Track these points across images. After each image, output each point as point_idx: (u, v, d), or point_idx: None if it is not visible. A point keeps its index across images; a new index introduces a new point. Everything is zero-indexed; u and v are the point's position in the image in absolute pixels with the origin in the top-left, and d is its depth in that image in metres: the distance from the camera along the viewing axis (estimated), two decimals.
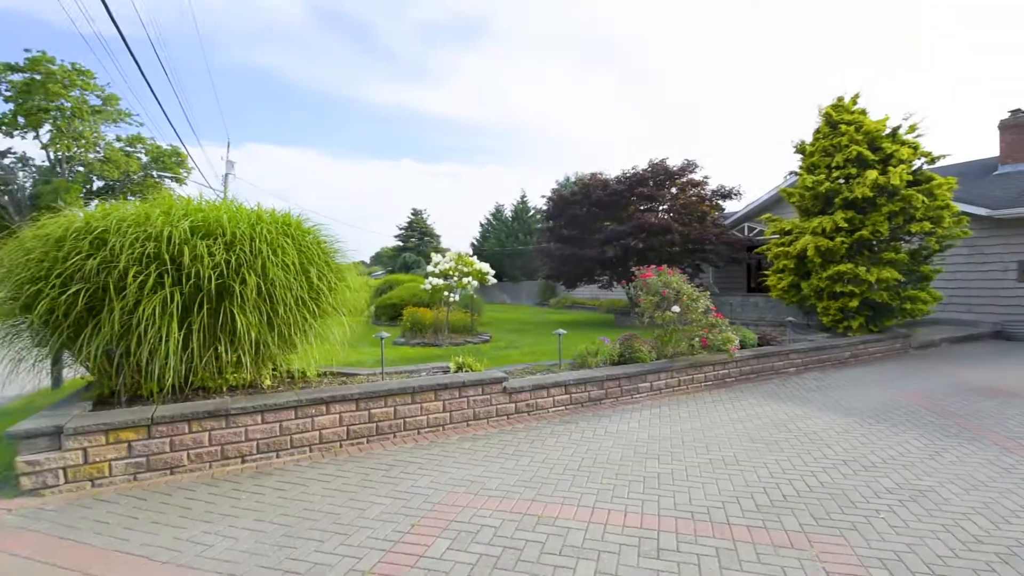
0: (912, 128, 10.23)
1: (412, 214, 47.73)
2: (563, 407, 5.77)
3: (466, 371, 5.68)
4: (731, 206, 17.45)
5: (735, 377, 7.30)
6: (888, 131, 10.21)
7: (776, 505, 3.36)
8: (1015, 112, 14.49)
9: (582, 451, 4.44)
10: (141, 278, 3.93)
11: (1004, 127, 14.65)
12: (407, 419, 4.84)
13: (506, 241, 36.92)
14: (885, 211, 9.59)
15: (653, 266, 7.74)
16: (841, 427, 5.10)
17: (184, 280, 4.04)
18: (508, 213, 40.59)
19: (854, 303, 9.66)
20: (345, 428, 4.54)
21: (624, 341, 7.07)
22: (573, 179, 30.88)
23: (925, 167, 10.35)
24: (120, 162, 27.69)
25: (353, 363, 7.31)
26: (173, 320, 3.92)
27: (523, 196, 40.51)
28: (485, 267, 11.91)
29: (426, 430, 4.93)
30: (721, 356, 7.17)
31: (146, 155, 30.17)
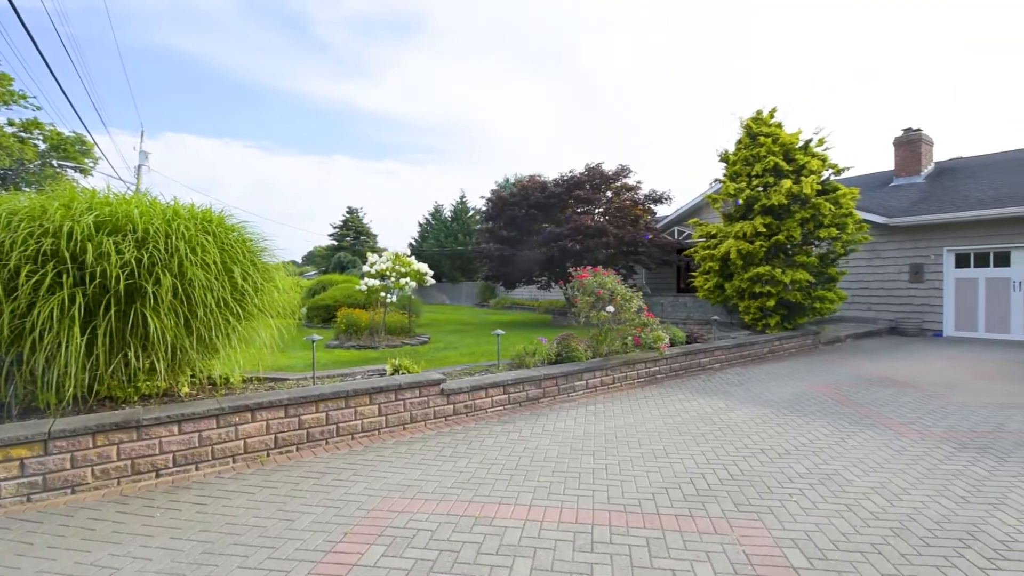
0: (821, 142, 11.14)
1: (347, 212, 46.28)
2: (501, 407, 5.79)
3: (403, 373, 5.57)
4: (662, 210, 18.22)
5: (665, 374, 7.63)
6: (801, 144, 11.07)
7: (702, 494, 3.54)
8: (907, 131, 16.14)
9: (520, 450, 4.48)
10: (36, 278, 3.56)
11: (898, 144, 16.28)
12: (340, 424, 4.68)
13: (445, 241, 36.63)
14: (798, 217, 10.39)
15: (589, 267, 7.95)
16: (760, 418, 5.46)
17: (88, 280, 3.69)
18: (447, 213, 40.27)
19: (771, 302, 10.38)
20: (273, 436, 4.32)
21: (561, 341, 7.21)
22: (512, 180, 31.11)
23: (832, 178, 11.30)
24: (12, 149, 24.93)
25: (282, 368, 6.98)
26: (75, 324, 3.57)
27: (462, 196, 40.36)
28: (423, 267, 11.75)
29: (361, 435, 4.79)
30: (652, 354, 7.47)
31: (44, 142, 27.36)
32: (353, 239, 45.22)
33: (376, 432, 4.88)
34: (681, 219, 19.31)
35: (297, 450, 4.43)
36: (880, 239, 13.92)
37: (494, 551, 2.78)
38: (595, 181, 16.86)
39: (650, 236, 16.33)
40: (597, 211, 17.21)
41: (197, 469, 3.96)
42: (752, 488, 3.63)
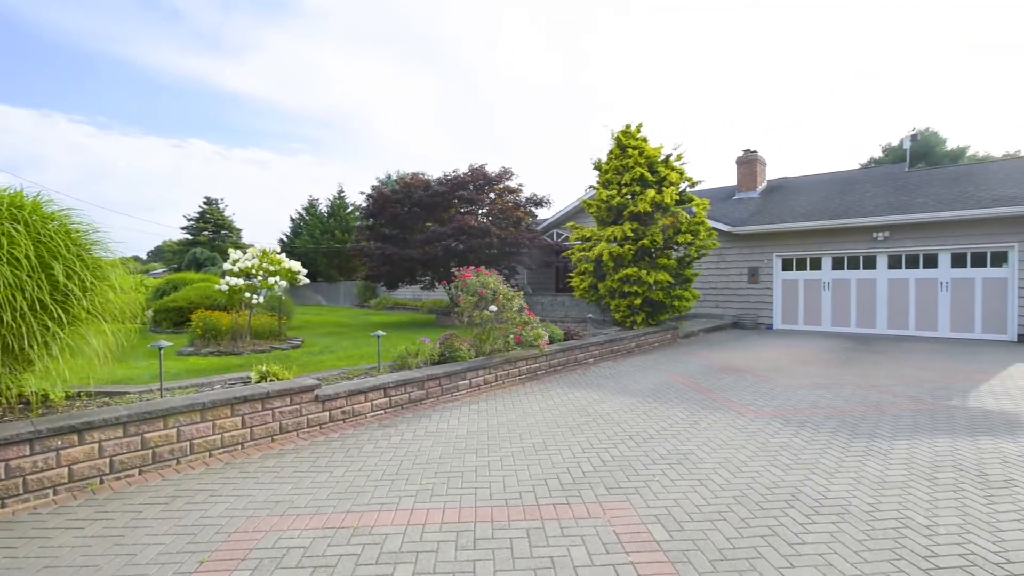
0: (679, 156, 12.41)
1: (205, 203, 41.58)
2: (382, 411, 5.60)
3: (271, 380, 5.13)
4: (542, 213, 18.99)
5: (545, 370, 7.95)
6: (663, 157, 12.22)
7: (578, 482, 3.74)
8: (747, 151, 18.62)
9: (401, 454, 4.36)
10: None
11: (739, 162, 18.72)
12: (195, 441, 4.17)
13: (321, 238, 34.49)
14: (661, 224, 11.46)
15: (472, 267, 8.01)
16: (628, 407, 5.92)
17: None
18: (324, 208, 37.96)
19: (638, 301, 11.33)
20: (108, 460, 3.72)
21: (444, 340, 7.16)
22: (395, 177, 30.24)
23: (688, 190, 12.64)
24: None
25: (122, 380, 6.08)
26: None
27: (340, 191, 38.31)
28: (296, 266, 10.95)
29: (221, 451, 4.31)
30: (533, 351, 7.74)
31: None
32: (212, 233, 40.75)
33: (239, 447, 4.43)
34: (559, 222, 20.27)
35: (140, 474, 3.86)
36: (725, 245, 15.90)
37: (374, 560, 2.67)
38: (479, 182, 17.04)
39: (531, 238, 16.92)
40: (480, 212, 17.42)
41: (3, 507, 3.27)
42: (621, 472, 3.92)
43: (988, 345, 11.21)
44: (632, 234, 11.33)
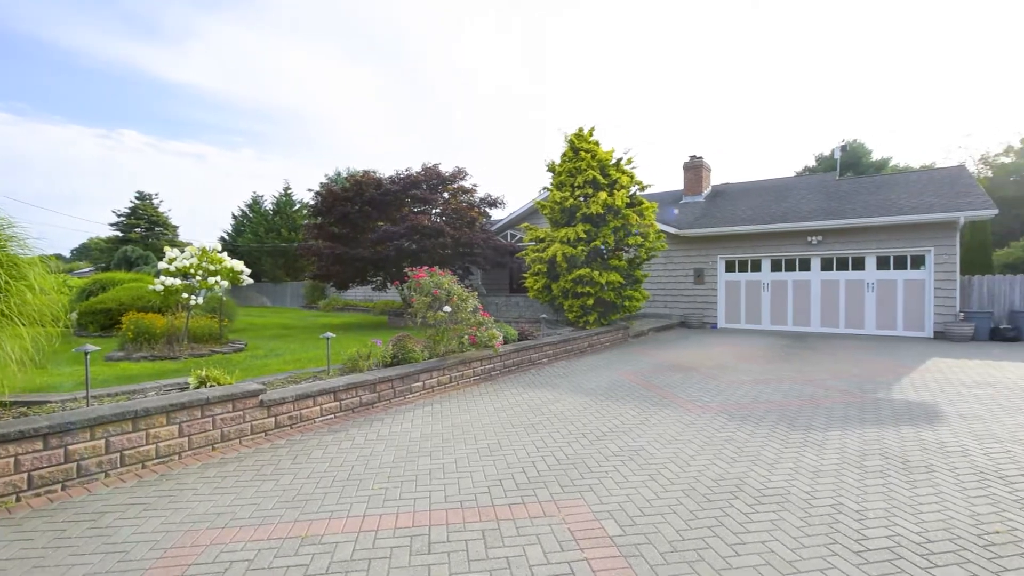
0: (629, 160, 12.72)
1: (137, 198, 39.05)
2: (332, 415, 5.42)
3: (212, 385, 4.87)
4: (496, 214, 18.99)
5: (499, 370, 7.95)
6: (614, 161, 12.50)
7: (533, 481, 3.75)
8: (693, 157, 19.33)
9: (352, 459, 4.24)
10: None
11: (686, 168, 19.41)
12: (126, 452, 3.90)
13: (266, 237, 33.06)
14: (612, 226, 11.71)
15: (426, 267, 7.91)
16: (581, 406, 6.01)
17: None
18: (269, 206, 36.42)
19: (591, 301, 11.53)
20: (25, 475, 3.41)
21: (397, 342, 7.03)
22: (344, 175, 29.44)
23: (638, 193, 12.98)
24: None
25: (42, 388, 5.61)
26: None
27: (287, 188, 36.89)
28: (238, 265, 10.46)
29: (156, 462, 4.05)
30: (488, 352, 7.72)
31: None
32: (145, 230, 38.33)
33: (176, 457, 4.17)
34: (514, 223, 20.35)
35: (63, 489, 3.56)
36: (673, 247, 16.44)
37: (324, 570, 2.58)
38: (432, 181, 16.86)
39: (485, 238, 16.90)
40: (434, 212, 17.24)
41: None
42: (575, 470, 3.97)
43: (909, 341, 12.13)
44: (585, 235, 11.52)
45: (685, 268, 16.50)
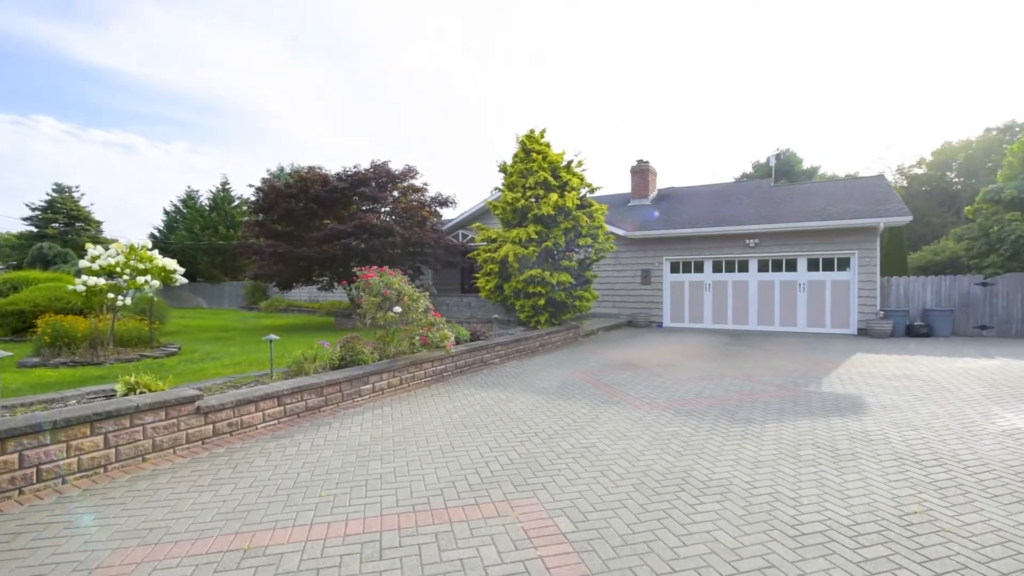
0: (580, 163, 12.95)
1: (55, 190, 35.98)
2: (276, 421, 5.19)
3: (142, 392, 4.55)
4: (448, 213, 18.82)
5: (451, 371, 7.88)
6: (565, 163, 12.68)
7: (486, 482, 3.74)
8: (640, 162, 19.91)
9: (298, 466, 4.07)
10: None
11: (633, 171, 19.96)
12: (44, 466, 3.57)
13: (202, 234, 31.25)
14: (563, 227, 11.88)
15: (375, 267, 7.72)
16: (533, 405, 6.05)
17: None
18: (205, 201, 34.46)
19: (542, 301, 11.64)
20: None
21: (345, 344, 6.83)
22: (288, 171, 28.33)
23: (588, 195, 13.23)
24: None
25: None
26: None
27: (225, 183, 35.03)
28: (171, 264, 9.85)
29: (78, 476, 3.73)
30: (439, 353, 7.64)
31: None
32: (64, 225, 35.38)
33: (102, 470, 3.86)
34: (466, 222, 20.25)
35: None
36: (622, 248, 16.87)
37: None
38: (381, 179, 16.49)
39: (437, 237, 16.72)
40: (383, 210, 16.89)
41: None
42: (528, 469, 3.99)
43: (836, 338, 13.00)
44: (536, 236, 11.63)
45: (633, 269, 16.97)
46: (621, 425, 5.19)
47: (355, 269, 8.01)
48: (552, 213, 11.67)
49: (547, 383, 7.38)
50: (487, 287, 12.59)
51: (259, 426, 5.02)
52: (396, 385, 6.79)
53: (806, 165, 39.04)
